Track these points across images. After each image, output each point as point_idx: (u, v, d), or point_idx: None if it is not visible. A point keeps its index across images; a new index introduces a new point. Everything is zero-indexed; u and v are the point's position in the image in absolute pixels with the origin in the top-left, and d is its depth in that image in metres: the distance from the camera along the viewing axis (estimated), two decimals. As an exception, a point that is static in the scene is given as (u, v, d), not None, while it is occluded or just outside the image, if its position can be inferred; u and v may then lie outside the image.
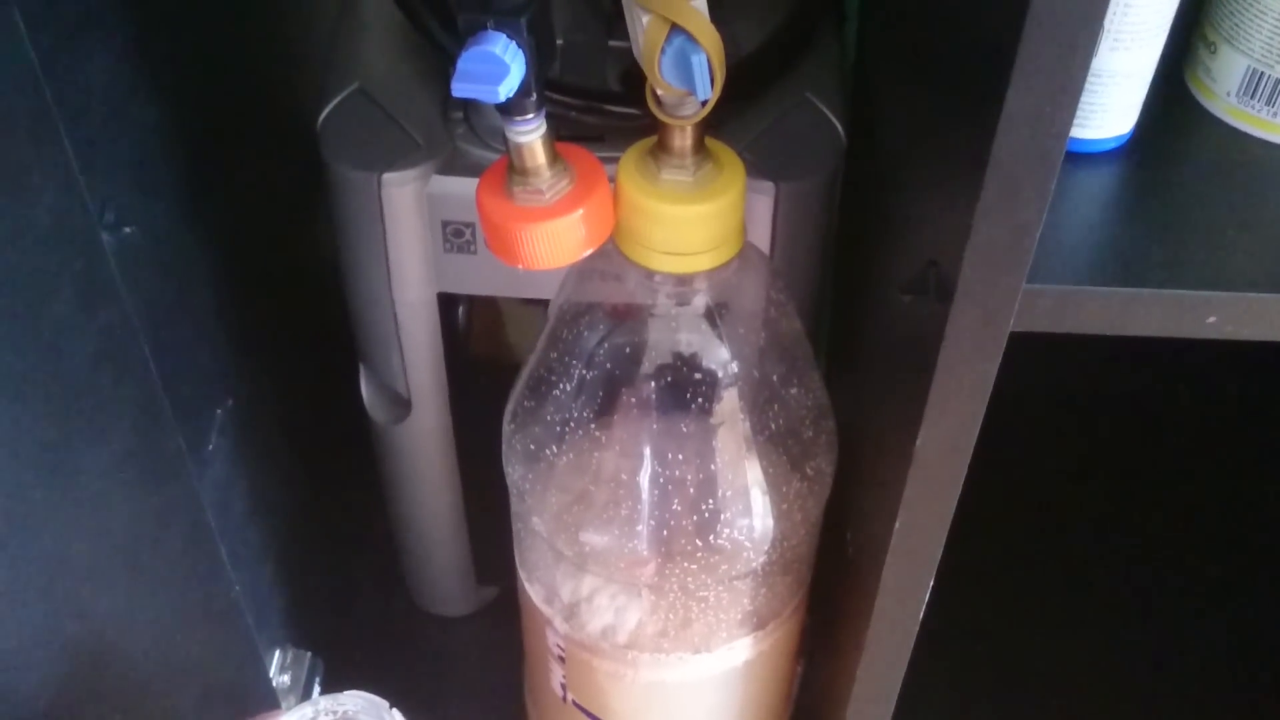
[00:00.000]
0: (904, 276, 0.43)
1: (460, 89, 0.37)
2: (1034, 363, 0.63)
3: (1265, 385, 0.85)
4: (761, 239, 0.53)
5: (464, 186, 0.53)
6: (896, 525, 0.44)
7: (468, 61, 0.37)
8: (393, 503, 0.71)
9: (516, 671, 0.70)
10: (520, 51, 0.37)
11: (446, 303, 0.59)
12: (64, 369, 0.37)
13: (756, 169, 0.52)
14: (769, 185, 0.52)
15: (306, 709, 0.35)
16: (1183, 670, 0.75)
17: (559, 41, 0.57)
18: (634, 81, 0.54)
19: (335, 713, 0.35)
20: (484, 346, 0.70)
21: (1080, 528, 0.82)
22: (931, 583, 0.46)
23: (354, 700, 0.36)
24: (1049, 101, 0.32)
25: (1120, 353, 0.65)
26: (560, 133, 0.52)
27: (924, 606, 0.47)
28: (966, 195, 0.35)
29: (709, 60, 0.38)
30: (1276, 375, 0.84)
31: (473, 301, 0.67)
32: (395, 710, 0.36)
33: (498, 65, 0.36)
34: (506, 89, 0.37)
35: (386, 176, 0.53)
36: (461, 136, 0.54)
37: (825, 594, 0.59)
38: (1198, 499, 0.84)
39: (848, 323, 0.61)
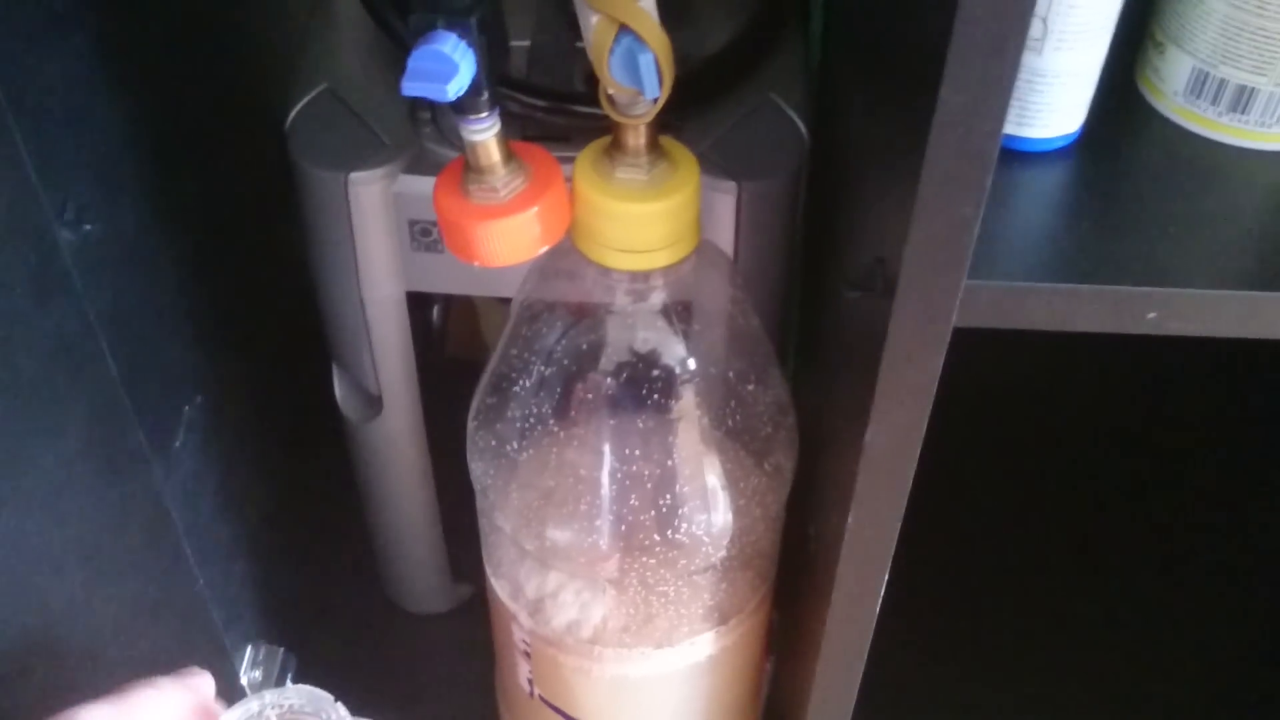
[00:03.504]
0: (854, 273, 0.44)
1: (410, 88, 0.37)
2: (999, 358, 0.64)
3: (1229, 379, 0.86)
4: (725, 238, 0.54)
5: (430, 186, 0.52)
6: (850, 519, 0.45)
7: (418, 60, 0.37)
8: (367, 500, 0.72)
9: (491, 669, 0.70)
10: (470, 51, 0.38)
11: (416, 301, 0.60)
12: (17, 361, 0.37)
13: (720, 169, 0.52)
14: (731, 185, 0.53)
15: (253, 704, 0.35)
16: (1142, 656, 0.76)
17: (527, 43, 0.58)
18: (599, 82, 0.54)
19: (281, 706, 0.36)
20: (457, 346, 0.71)
21: (1039, 520, 0.82)
22: (887, 575, 0.47)
23: (299, 695, 0.36)
24: (981, 99, 0.32)
25: (1084, 348, 0.66)
26: (527, 133, 0.53)
27: (880, 599, 0.48)
28: (907, 192, 0.35)
29: (656, 60, 0.38)
30: (1237, 368, 0.85)
31: (447, 301, 0.68)
32: (340, 705, 0.36)
33: (447, 64, 0.37)
34: (456, 88, 0.37)
35: (353, 176, 0.54)
36: (428, 136, 0.55)
37: (792, 592, 0.60)
38: (1156, 489, 0.84)
39: (812, 322, 0.61)
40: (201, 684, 0.38)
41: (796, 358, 0.67)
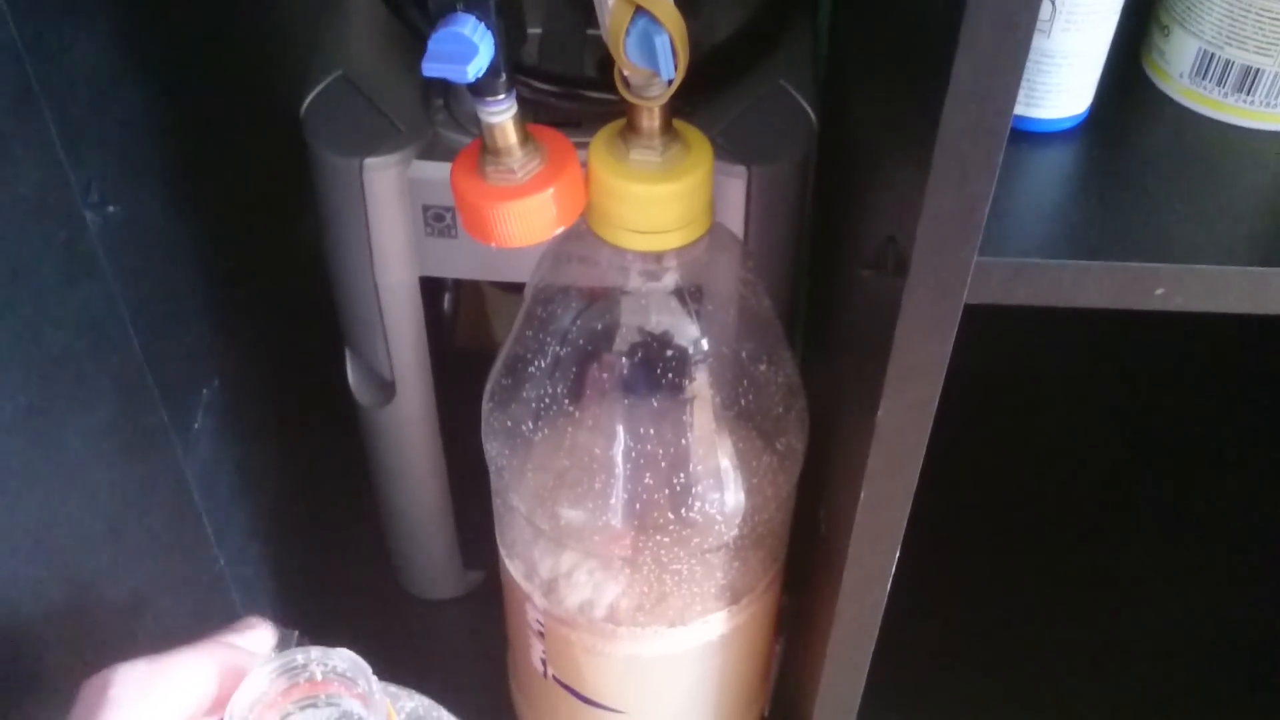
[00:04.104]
0: (866, 252, 0.45)
1: (430, 69, 0.38)
2: (1012, 338, 0.65)
3: (1241, 357, 0.87)
4: (735, 221, 0.55)
5: (444, 171, 0.53)
6: (861, 497, 0.45)
7: (437, 42, 0.38)
8: (379, 486, 0.72)
9: (503, 654, 0.71)
10: (489, 33, 0.38)
11: (429, 287, 0.61)
12: (45, 338, 0.38)
13: (730, 153, 0.53)
14: (741, 169, 0.53)
15: (298, 656, 0.35)
16: (1150, 637, 0.76)
17: (539, 30, 0.59)
18: (610, 68, 0.55)
19: (326, 665, 0.35)
20: (470, 333, 0.72)
21: (1053, 501, 0.83)
22: (897, 554, 0.47)
23: (343, 659, 0.35)
24: (992, 78, 0.33)
25: (1097, 327, 0.67)
26: (539, 119, 0.54)
27: (890, 578, 0.48)
28: (919, 171, 0.36)
29: (671, 41, 0.39)
30: (1248, 346, 0.86)
31: (459, 288, 0.68)
32: (375, 677, 0.36)
33: (466, 46, 0.38)
34: (475, 69, 0.38)
35: (368, 161, 0.54)
36: (442, 123, 0.55)
37: (803, 574, 0.60)
38: (1172, 467, 0.85)
39: (822, 305, 0.62)
40: (252, 640, 0.39)
41: (805, 340, 0.68)
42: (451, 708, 0.46)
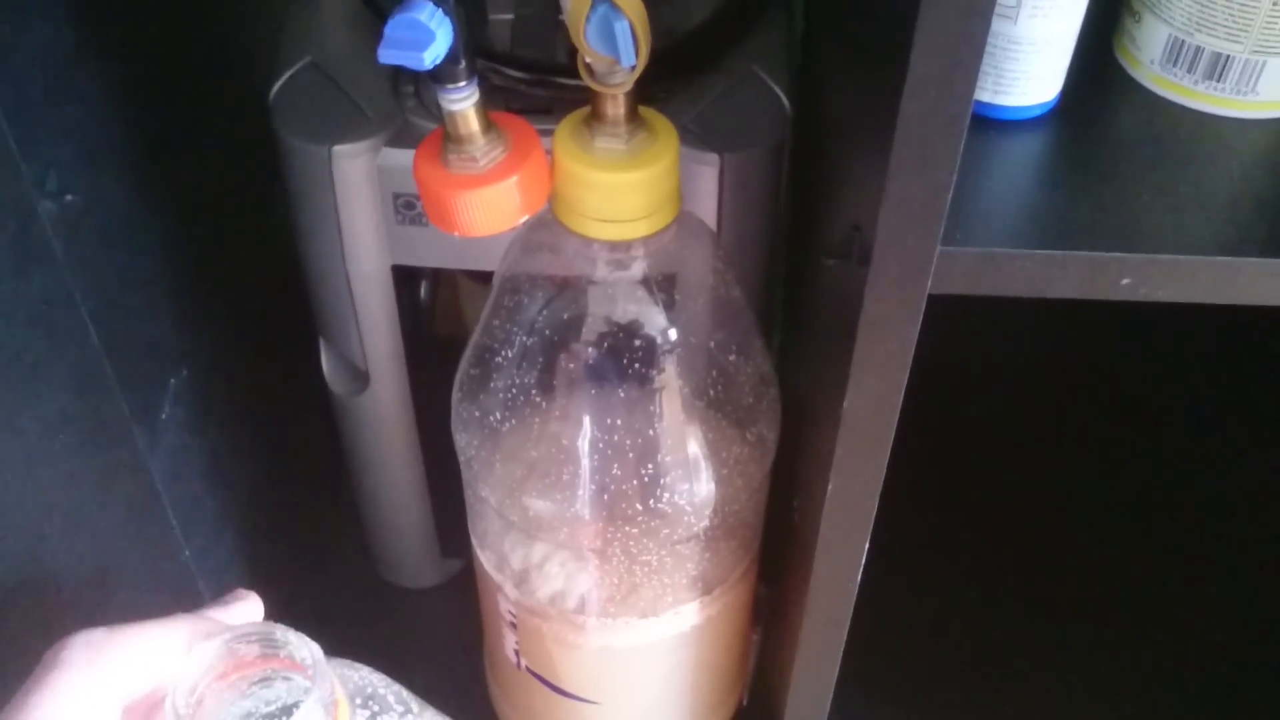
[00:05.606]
0: (832, 241, 0.44)
1: (386, 55, 0.37)
2: (982, 330, 0.65)
3: (1210, 345, 0.87)
4: (708, 209, 0.54)
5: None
6: (830, 487, 0.45)
7: (394, 28, 0.37)
8: (355, 475, 0.72)
9: (480, 643, 0.70)
10: (447, 19, 0.38)
11: (402, 276, 0.60)
12: (-3, 327, 0.38)
13: (702, 141, 0.52)
14: (713, 156, 0.53)
15: (276, 632, 0.34)
16: (1124, 625, 0.76)
17: (511, 16, 0.58)
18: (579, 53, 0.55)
19: (306, 648, 0.34)
20: (445, 322, 0.71)
21: (1021, 491, 0.83)
22: (867, 543, 0.47)
23: (308, 647, 0.34)
24: (951, 65, 0.32)
25: (1069, 317, 0.66)
26: (510, 106, 0.54)
27: (861, 567, 0.48)
28: (881, 158, 0.35)
29: (632, 27, 0.38)
30: (1216, 334, 0.85)
31: (435, 277, 0.68)
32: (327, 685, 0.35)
33: (423, 32, 0.37)
34: (432, 56, 0.38)
35: (337, 149, 0.54)
36: (412, 110, 0.55)
37: (779, 564, 0.60)
38: (1137, 457, 0.85)
39: (797, 295, 0.62)
40: (238, 612, 0.38)
41: (783, 331, 0.68)
42: (430, 697, 0.46)
